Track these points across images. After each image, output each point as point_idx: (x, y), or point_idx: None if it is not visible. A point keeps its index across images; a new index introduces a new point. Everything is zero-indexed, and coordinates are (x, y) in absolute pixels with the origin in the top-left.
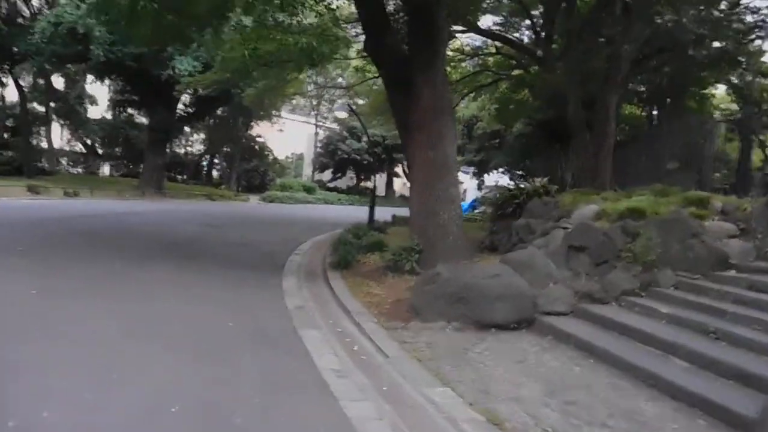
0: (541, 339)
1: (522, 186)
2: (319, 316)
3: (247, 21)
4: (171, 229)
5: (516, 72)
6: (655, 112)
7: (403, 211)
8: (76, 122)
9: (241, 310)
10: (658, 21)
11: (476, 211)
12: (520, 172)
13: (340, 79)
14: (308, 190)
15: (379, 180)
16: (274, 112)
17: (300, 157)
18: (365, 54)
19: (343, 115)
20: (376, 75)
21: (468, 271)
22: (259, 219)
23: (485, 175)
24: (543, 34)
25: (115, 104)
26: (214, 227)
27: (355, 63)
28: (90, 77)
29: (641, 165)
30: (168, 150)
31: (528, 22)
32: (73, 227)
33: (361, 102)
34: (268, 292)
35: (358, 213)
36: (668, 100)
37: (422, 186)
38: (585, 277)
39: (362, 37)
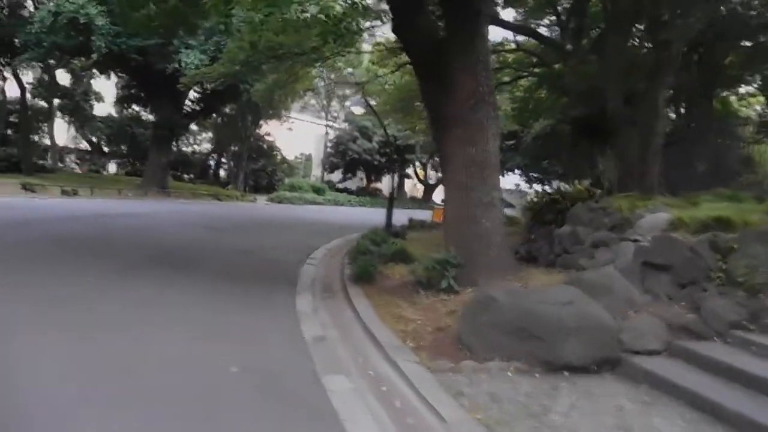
0: (635, 389)
1: (564, 189)
2: (344, 351)
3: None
4: (168, 232)
5: (538, 69)
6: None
7: (418, 214)
8: (81, 119)
9: (247, 346)
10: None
11: None
12: (536, 174)
13: (351, 78)
14: (318, 191)
15: (390, 181)
16: (283, 110)
17: (308, 158)
18: (381, 47)
19: (359, 110)
20: (392, 70)
21: (530, 295)
22: (267, 221)
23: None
24: (571, 26)
25: (120, 100)
26: (218, 231)
27: (365, 64)
28: (96, 74)
29: (675, 167)
30: (175, 148)
31: (553, 16)
32: (57, 230)
33: (372, 102)
34: (280, 316)
35: (371, 215)
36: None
37: (460, 188)
38: (667, 302)
39: (377, 30)
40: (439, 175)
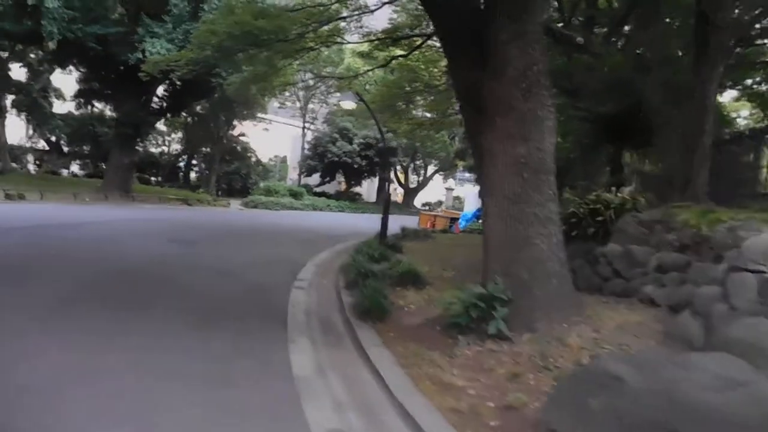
0: None
1: (606, 198)
2: None
3: None
4: (126, 248)
5: None
6: None
7: (404, 220)
8: (39, 117)
9: None
10: None
11: (480, 221)
12: None
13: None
14: (295, 195)
15: (370, 185)
16: (259, 108)
17: (283, 160)
18: (371, 37)
19: (349, 105)
20: (381, 65)
21: (673, 370)
22: (243, 230)
23: None
24: (579, 17)
25: (79, 95)
26: (187, 244)
27: (347, 61)
28: (57, 69)
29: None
30: (141, 149)
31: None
32: None
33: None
34: (270, 389)
35: (354, 222)
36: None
37: (506, 200)
38: None
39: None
40: (420, 179)
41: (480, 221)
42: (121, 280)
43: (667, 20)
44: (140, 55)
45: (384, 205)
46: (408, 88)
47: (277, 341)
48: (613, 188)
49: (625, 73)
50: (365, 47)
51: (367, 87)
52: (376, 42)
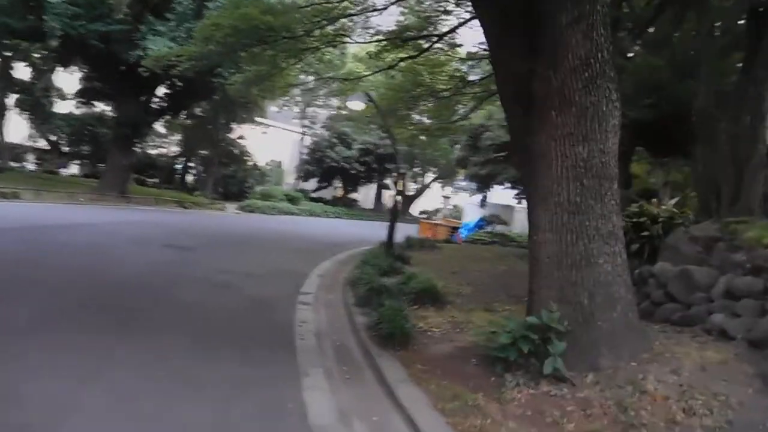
0: None
1: (651, 210)
2: None
3: None
4: (115, 254)
5: None
6: None
7: (404, 229)
8: (41, 116)
9: None
10: None
11: (482, 230)
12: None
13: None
14: (292, 200)
15: (367, 191)
16: (258, 111)
17: (279, 165)
18: (380, 36)
19: (358, 106)
20: (388, 66)
21: None
22: (241, 236)
23: (488, 191)
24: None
25: (80, 94)
26: (183, 251)
27: (348, 66)
28: (59, 69)
29: None
30: (140, 150)
31: None
32: None
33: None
34: None
35: (353, 229)
36: None
37: (563, 210)
38: None
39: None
40: (417, 186)
41: (481, 230)
42: (108, 294)
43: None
44: (141, 53)
45: (391, 213)
46: (414, 92)
47: (287, 374)
48: (653, 200)
49: (663, 77)
50: (372, 48)
51: (370, 92)
52: (384, 42)
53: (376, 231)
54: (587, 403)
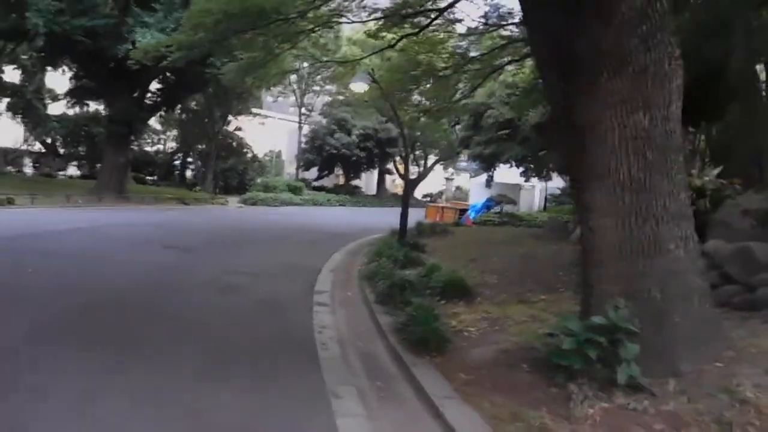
0: None
1: (696, 183)
2: None
3: None
4: (115, 260)
5: None
6: None
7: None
8: (34, 119)
9: None
10: None
11: (492, 211)
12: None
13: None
14: (294, 190)
15: (369, 177)
16: (254, 99)
17: (278, 155)
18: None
19: (361, 87)
20: (388, 45)
21: None
22: (244, 231)
23: (493, 170)
24: None
25: (71, 93)
26: (185, 252)
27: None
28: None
29: None
30: (136, 147)
31: None
32: None
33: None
34: None
35: (359, 217)
36: None
37: (623, 189)
38: None
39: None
40: (420, 169)
41: (490, 210)
42: (102, 309)
43: None
44: (130, 47)
45: (403, 199)
46: (413, 72)
47: (313, 394)
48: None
49: (687, 37)
50: (370, 26)
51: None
52: (382, 20)
53: (382, 218)
54: (677, 419)
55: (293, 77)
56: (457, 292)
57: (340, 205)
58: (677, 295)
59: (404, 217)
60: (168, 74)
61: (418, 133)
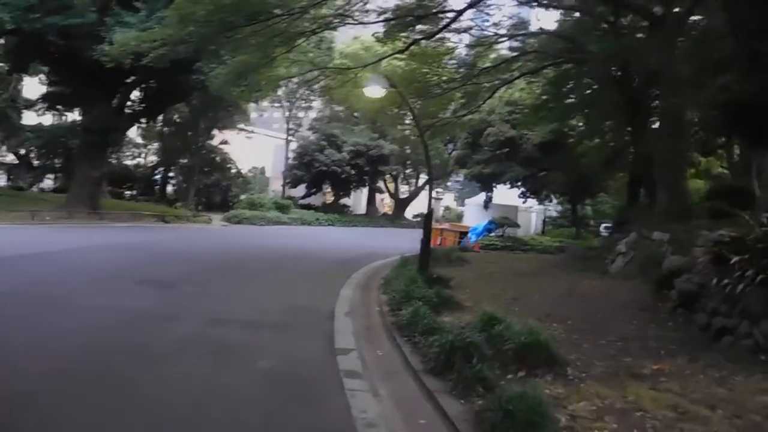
0: None
1: None
2: None
3: None
4: (62, 306)
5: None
6: None
7: (401, 236)
8: (7, 129)
9: None
10: None
11: (493, 234)
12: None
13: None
14: (281, 208)
15: (358, 196)
16: (240, 114)
17: (262, 171)
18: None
19: (378, 92)
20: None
21: None
22: (233, 256)
23: (491, 191)
24: None
25: (44, 99)
26: (165, 288)
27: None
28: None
29: None
30: (115, 160)
31: None
32: None
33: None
34: None
35: (354, 238)
36: None
37: None
38: None
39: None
40: (411, 188)
41: (491, 234)
42: (32, 398)
43: None
44: (106, 47)
45: (425, 223)
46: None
47: None
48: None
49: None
50: (376, 31)
51: (380, 79)
52: (393, 21)
53: (379, 240)
54: None
55: (281, 91)
56: (539, 358)
57: (329, 224)
58: None
59: (426, 243)
60: (150, 81)
61: (409, 151)
